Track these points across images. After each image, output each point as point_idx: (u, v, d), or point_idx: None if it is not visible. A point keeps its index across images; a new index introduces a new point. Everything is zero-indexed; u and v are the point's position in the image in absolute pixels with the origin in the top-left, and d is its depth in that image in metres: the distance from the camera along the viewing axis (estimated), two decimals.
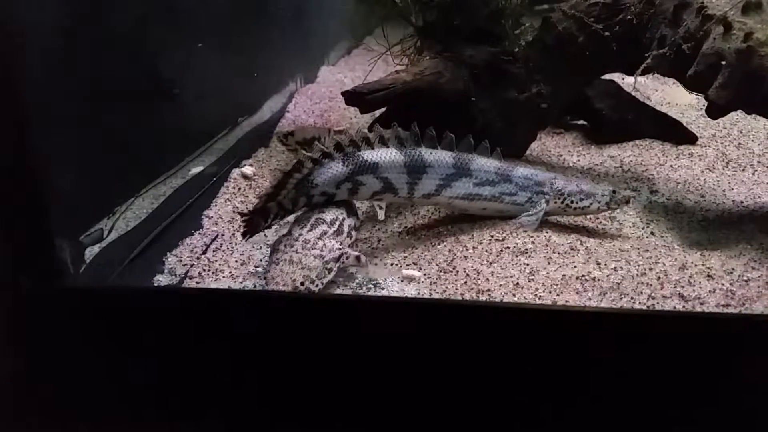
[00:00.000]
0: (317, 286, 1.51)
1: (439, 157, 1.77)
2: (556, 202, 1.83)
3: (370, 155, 1.71)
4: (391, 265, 1.72)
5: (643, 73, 1.98)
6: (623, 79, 2.50)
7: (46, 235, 1.36)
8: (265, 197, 1.63)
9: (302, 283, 1.48)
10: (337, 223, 1.65)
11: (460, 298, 1.56)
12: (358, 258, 1.62)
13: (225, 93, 2.45)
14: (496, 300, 1.53)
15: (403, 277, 1.63)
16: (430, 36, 2.32)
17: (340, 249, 1.59)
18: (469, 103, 2.08)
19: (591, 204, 1.82)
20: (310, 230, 1.60)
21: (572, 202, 1.82)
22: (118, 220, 1.76)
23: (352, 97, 1.88)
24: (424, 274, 1.64)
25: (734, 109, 1.63)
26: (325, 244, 1.56)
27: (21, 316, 1.33)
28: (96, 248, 1.65)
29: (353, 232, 1.71)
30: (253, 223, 1.62)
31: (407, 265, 1.71)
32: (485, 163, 1.80)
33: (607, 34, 2.03)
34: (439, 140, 1.78)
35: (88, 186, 1.61)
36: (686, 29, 1.75)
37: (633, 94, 2.46)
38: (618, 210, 1.90)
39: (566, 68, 2.16)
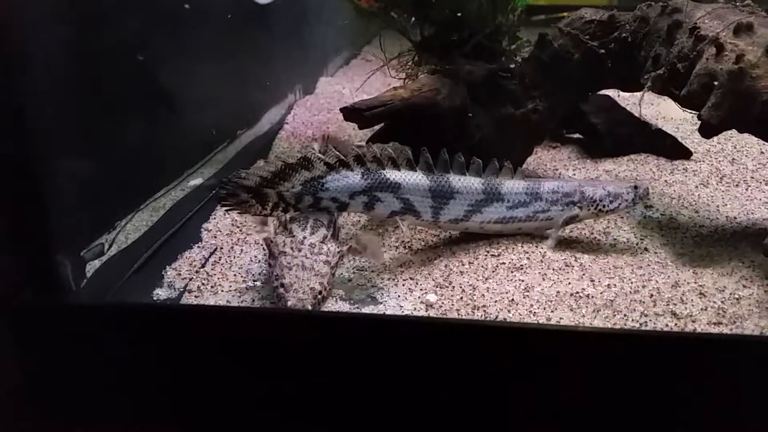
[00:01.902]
0: (328, 292, 1.54)
1: (468, 183, 1.79)
2: (589, 209, 1.85)
3: (392, 174, 1.73)
4: (388, 280, 1.74)
5: (637, 90, 2.02)
6: (618, 94, 2.53)
7: (48, 251, 1.38)
8: (259, 179, 1.59)
9: (320, 292, 1.49)
10: (332, 225, 1.69)
11: (456, 313, 1.58)
12: (350, 249, 1.65)
13: (224, 106, 2.47)
14: (491, 317, 1.55)
15: (425, 303, 1.62)
16: (427, 51, 2.34)
17: (339, 252, 1.61)
18: (465, 118, 2.10)
19: (620, 204, 1.85)
20: (313, 233, 1.62)
21: (604, 206, 1.85)
22: (118, 234, 1.77)
23: (351, 113, 1.90)
24: (436, 294, 1.64)
25: (726, 128, 1.66)
26: (329, 249, 1.58)
27: (23, 332, 1.35)
28: (97, 263, 1.67)
29: (336, 230, 1.75)
30: (240, 198, 1.57)
31: (404, 280, 1.73)
32: (515, 186, 1.82)
33: (602, 51, 2.06)
34: (434, 158, 1.79)
35: (89, 201, 1.63)
36: (680, 49, 1.78)
37: (640, 115, 2.46)
38: (640, 204, 1.94)
39: (562, 84, 2.18)
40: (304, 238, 1.60)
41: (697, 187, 2.24)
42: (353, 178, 1.70)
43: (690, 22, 1.80)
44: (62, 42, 1.58)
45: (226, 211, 1.62)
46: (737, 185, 2.24)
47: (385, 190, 1.72)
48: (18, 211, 1.40)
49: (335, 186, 1.68)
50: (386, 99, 1.95)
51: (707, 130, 1.66)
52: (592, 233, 1.94)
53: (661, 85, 1.86)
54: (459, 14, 2.19)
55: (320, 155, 1.67)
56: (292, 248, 1.56)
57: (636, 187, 1.88)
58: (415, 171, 1.76)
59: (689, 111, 1.80)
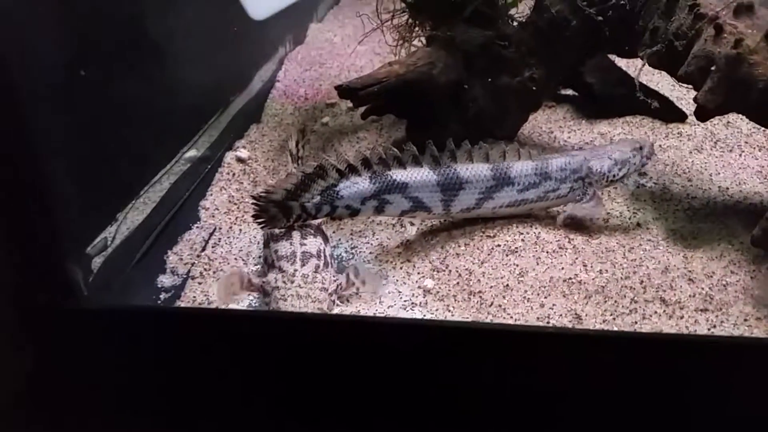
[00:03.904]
0: None
1: (476, 171, 1.78)
2: (600, 183, 1.86)
3: (398, 174, 1.73)
4: (386, 262, 1.78)
5: (635, 57, 2.01)
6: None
7: (56, 254, 1.40)
8: (285, 192, 1.65)
9: None
10: (323, 255, 1.66)
11: (453, 299, 1.63)
12: (347, 280, 1.63)
13: (215, 72, 2.40)
14: (487, 303, 1.60)
15: (423, 288, 1.67)
16: (422, 12, 2.29)
17: (336, 280, 1.62)
18: (461, 91, 2.08)
19: (629, 169, 1.88)
20: (303, 265, 1.60)
21: (614, 176, 1.87)
22: (120, 225, 1.78)
23: (345, 92, 1.89)
24: (433, 279, 1.69)
25: (723, 113, 1.67)
26: (324, 277, 1.58)
27: (33, 338, 1.39)
28: (102, 257, 1.68)
29: (330, 259, 1.72)
30: (270, 213, 1.66)
31: (402, 263, 1.77)
32: (524, 167, 1.81)
33: (600, 18, 2.02)
34: (433, 136, 1.78)
35: (90, 197, 1.63)
36: (678, 26, 1.75)
37: (637, 85, 2.42)
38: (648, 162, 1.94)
39: (559, 51, 2.15)
40: (296, 270, 1.58)
41: (691, 152, 2.25)
42: (362, 183, 1.71)
43: None
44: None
45: (261, 227, 1.71)
46: (731, 150, 2.25)
47: (393, 192, 1.73)
48: (19, 213, 1.40)
49: (348, 193, 1.71)
50: (381, 76, 1.94)
51: (703, 114, 1.67)
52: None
53: (657, 61, 1.85)
54: None
55: (333, 162, 1.68)
56: (284, 281, 1.55)
57: (641, 148, 1.89)
58: (421, 166, 1.76)
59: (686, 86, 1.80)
